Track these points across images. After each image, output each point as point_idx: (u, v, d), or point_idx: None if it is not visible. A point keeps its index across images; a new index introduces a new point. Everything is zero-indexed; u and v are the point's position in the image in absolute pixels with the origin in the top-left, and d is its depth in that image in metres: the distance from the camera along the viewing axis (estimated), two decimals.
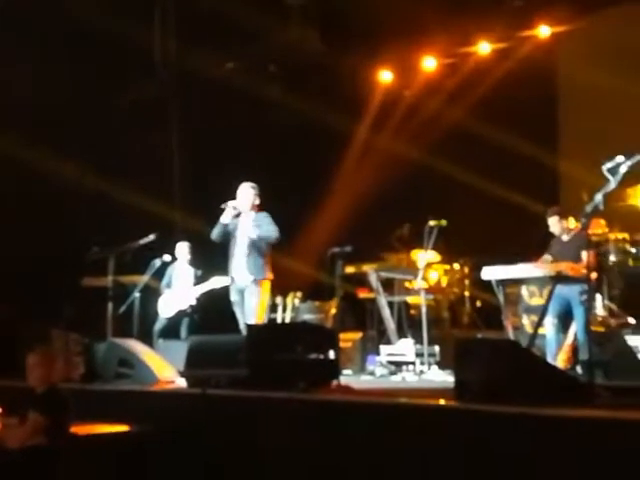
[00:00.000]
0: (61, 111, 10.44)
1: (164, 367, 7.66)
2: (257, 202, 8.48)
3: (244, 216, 8.42)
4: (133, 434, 6.44)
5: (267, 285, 8.41)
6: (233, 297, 8.46)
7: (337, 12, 11.42)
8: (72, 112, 10.51)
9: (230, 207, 8.36)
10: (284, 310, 9.49)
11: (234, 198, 8.43)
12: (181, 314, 9.52)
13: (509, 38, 11.53)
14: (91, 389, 7.56)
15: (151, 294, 9.47)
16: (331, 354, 6.95)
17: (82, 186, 10.44)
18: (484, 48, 11.72)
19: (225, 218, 8.42)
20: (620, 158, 6.57)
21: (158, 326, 9.59)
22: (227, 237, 8.44)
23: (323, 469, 5.53)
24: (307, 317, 9.43)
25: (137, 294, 9.09)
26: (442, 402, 5.63)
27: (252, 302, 8.29)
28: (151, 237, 9.26)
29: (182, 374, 7.29)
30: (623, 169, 6.52)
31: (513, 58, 11.51)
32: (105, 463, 6.06)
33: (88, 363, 8.00)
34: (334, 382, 6.69)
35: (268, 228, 8.30)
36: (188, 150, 11.68)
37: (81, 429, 6.06)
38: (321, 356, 6.76)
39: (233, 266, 8.41)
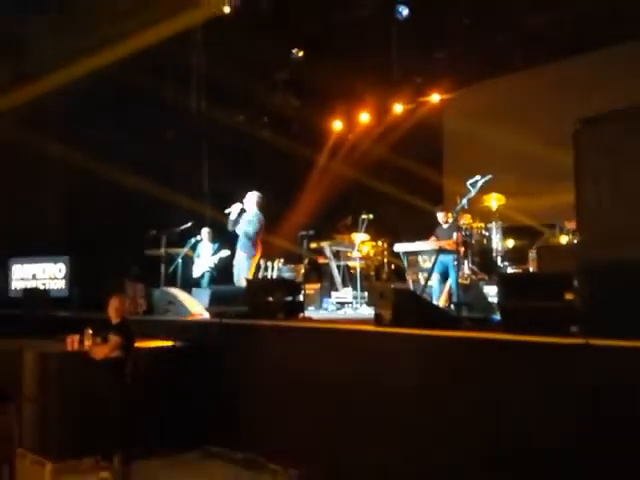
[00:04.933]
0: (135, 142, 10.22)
1: (196, 305, 7.62)
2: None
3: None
4: (176, 347, 6.44)
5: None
6: None
7: (307, 83, 11.39)
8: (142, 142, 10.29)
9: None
10: (272, 270, 9.46)
11: (240, 201, 8.43)
12: (204, 272, 9.46)
13: (413, 102, 11.54)
14: (150, 319, 7.54)
15: (188, 260, 9.40)
16: (300, 297, 6.95)
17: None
18: (398, 108, 11.71)
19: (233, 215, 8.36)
20: (477, 177, 6.67)
21: (199, 280, 9.48)
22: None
23: (291, 370, 5.53)
24: (286, 275, 9.39)
25: (179, 260, 9.05)
26: (367, 327, 5.66)
27: None
28: (189, 224, 9.23)
29: (207, 310, 7.28)
30: (479, 183, 6.61)
31: (416, 115, 11.54)
32: (158, 366, 6.05)
33: (148, 303, 7.96)
34: (301, 314, 6.71)
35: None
36: (214, 169, 11.58)
37: (143, 344, 6.05)
38: (293, 299, 6.71)
39: None
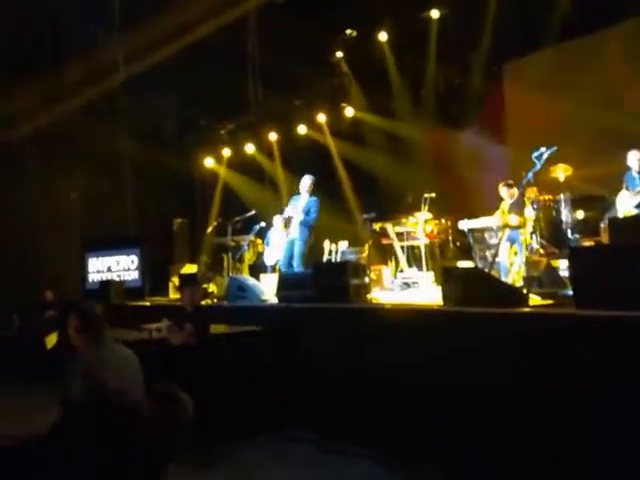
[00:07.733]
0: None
1: (265, 291, 7.77)
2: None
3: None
4: (248, 332, 6.58)
5: None
6: None
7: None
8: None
9: None
10: (336, 253, 9.50)
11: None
12: (277, 260, 9.52)
13: (470, 74, 11.30)
14: (222, 305, 7.75)
15: (253, 247, 9.53)
16: (366, 279, 6.97)
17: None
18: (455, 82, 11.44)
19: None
20: (543, 149, 6.48)
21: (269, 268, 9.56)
22: None
23: (362, 352, 5.58)
24: (350, 257, 9.41)
25: (245, 247, 9.20)
26: (434, 306, 5.65)
27: None
28: (252, 212, 9.36)
29: (276, 295, 7.41)
30: (545, 155, 6.43)
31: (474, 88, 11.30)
32: (231, 350, 6.20)
33: (219, 290, 8.16)
34: (368, 296, 6.74)
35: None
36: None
37: (216, 329, 6.22)
38: (360, 281, 6.74)
39: None
